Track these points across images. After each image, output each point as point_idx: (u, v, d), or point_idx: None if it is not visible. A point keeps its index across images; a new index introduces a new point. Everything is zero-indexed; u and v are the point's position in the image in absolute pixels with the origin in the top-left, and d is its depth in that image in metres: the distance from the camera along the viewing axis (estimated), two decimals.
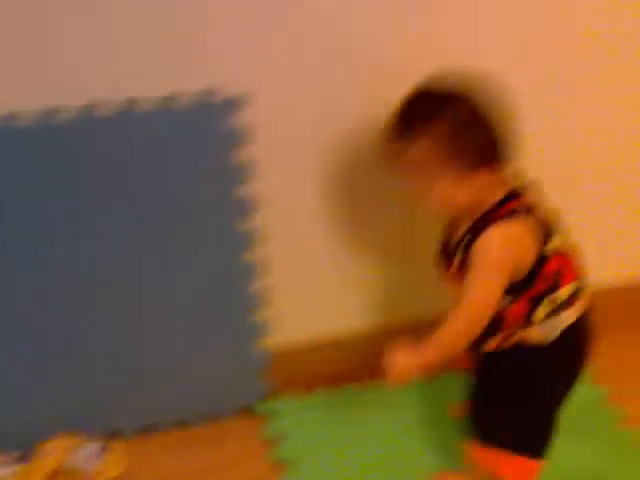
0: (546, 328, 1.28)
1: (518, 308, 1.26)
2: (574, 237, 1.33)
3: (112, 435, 1.50)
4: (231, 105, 1.31)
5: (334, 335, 1.64)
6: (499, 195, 1.25)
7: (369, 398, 1.59)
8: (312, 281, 1.59)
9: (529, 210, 1.25)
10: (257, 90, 1.34)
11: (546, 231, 1.26)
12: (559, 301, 1.27)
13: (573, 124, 1.58)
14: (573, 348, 1.31)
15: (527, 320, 1.27)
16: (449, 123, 1.20)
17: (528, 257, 1.24)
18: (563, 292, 1.27)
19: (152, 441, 1.51)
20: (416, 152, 1.21)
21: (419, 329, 1.67)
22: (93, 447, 1.43)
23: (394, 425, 1.54)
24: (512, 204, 1.25)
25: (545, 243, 1.25)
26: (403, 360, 1.25)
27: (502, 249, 1.22)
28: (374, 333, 1.64)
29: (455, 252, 1.28)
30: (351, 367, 1.64)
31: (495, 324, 1.27)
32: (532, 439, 1.31)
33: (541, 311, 1.26)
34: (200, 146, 1.33)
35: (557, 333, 1.28)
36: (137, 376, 1.48)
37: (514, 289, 1.25)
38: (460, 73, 1.26)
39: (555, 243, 1.27)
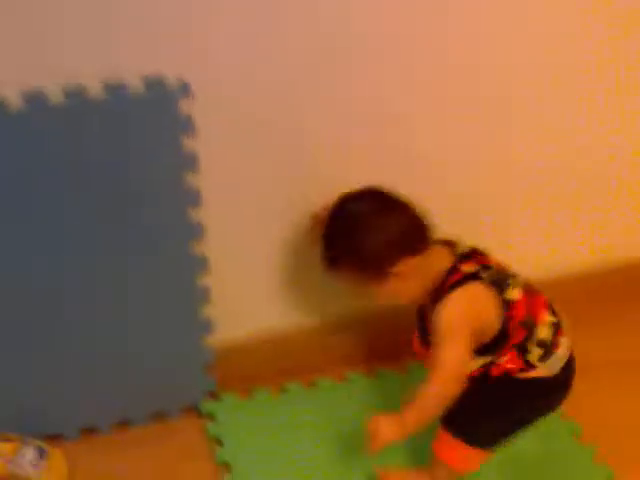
0: (549, 366, 1.36)
1: (508, 359, 1.34)
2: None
3: (50, 439, 1.46)
4: (183, 91, 1.27)
5: (277, 332, 1.63)
6: (446, 265, 1.34)
7: (313, 396, 1.59)
8: (255, 278, 1.58)
9: (478, 270, 1.33)
10: (205, 78, 1.31)
11: (501, 282, 1.34)
12: (547, 342, 1.35)
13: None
14: (565, 380, 1.39)
15: (528, 364, 1.35)
16: (361, 244, 1.31)
17: (490, 311, 1.32)
18: (542, 330, 1.35)
19: (93, 443, 1.49)
20: (343, 273, 1.35)
21: (364, 326, 1.71)
22: (30, 453, 1.39)
23: (337, 424, 1.53)
24: (461, 268, 1.33)
25: (503, 293, 1.33)
26: (386, 430, 1.30)
27: (460, 312, 1.30)
28: (316, 330, 1.64)
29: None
30: (294, 364, 1.63)
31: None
32: (496, 441, 1.39)
33: (534, 355, 1.34)
34: (151, 133, 1.29)
35: (558, 368, 1.37)
36: (77, 374, 1.45)
37: (494, 345, 1.33)
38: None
39: (513, 291, 1.34)
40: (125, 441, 1.51)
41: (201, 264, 1.45)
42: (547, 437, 1.51)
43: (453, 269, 1.34)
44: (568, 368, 1.38)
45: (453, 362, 1.29)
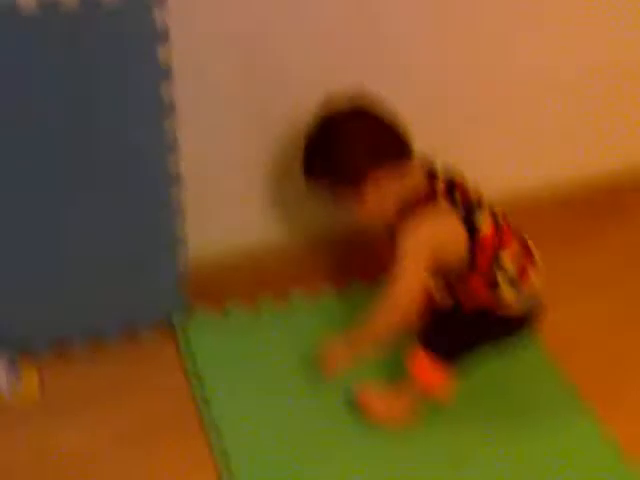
0: (522, 304, 1.40)
1: (476, 288, 1.36)
2: None
3: (21, 353, 1.46)
4: (157, 2, 1.22)
5: (250, 248, 1.63)
6: (420, 185, 1.34)
7: (286, 312, 1.59)
8: (230, 193, 1.57)
9: (450, 192, 1.34)
10: None
11: (471, 208, 1.34)
12: (514, 276, 1.36)
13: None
14: (536, 312, 1.46)
15: (501, 303, 1.38)
16: (334, 153, 1.31)
17: (455, 236, 1.33)
18: (507, 260, 1.36)
19: (65, 357, 1.49)
20: (323, 189, 1.36)
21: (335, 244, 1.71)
22: (1, 365, 1.40)
23: (310, 340, 1.54)
24: (433, 190, 1.34)
25: (472, 219, 1.33)
26: (340, 353, 1.34)
27: (423, 235, 1.32)
28: (290, 246, 1.64)
29: None
30: (267, 280, 1.64)
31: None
32: (463, 360, 1.40)
33: (507, 294, 1.37)
34: (126, 43, 1.26)
35: (530, 305, 1.42)
36: (50, 286, 1.43)
37: (459, 270, 1.36)
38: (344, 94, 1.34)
39: (482, 217, 1.35)
40: (97, 354, 1.51)
41: (176, 178, 1.43)
42: (514, 355, 1.53)
43: (425, 190, 1.34)
44: (538, 302, 1.42)
45: (405, 288, 1.32)
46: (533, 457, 1.38)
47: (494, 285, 1.37)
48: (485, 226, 1.34)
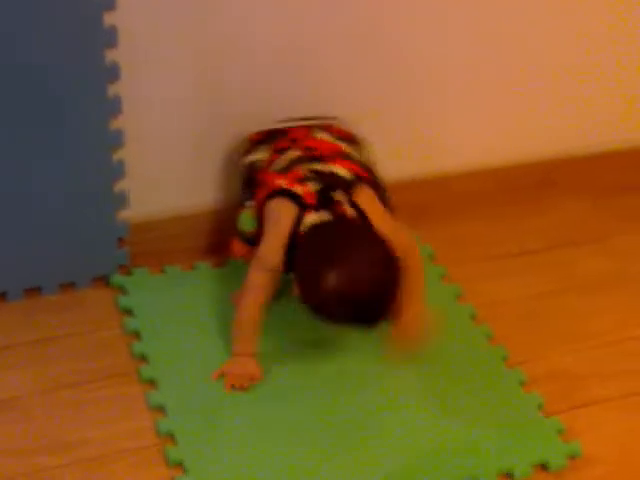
0: None
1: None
2: None
3: None
4: None
5: (190, 210, 1.65)
6: None
7: (223, 272, 1.62)
8: (170, 154, 1.59)
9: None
10: None
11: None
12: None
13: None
14: None
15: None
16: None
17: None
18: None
19: (1, 309, 1.50)
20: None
21: None
22: None
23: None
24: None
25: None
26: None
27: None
28: (229, 210, 1.66)
29: None
30: (206, 242, 1.67)
31: None
32: None
33: None
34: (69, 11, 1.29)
35: None
36: None
37: None
38: None
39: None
40: (35, 308, 1.52)
41: (117, 139, 1.46)
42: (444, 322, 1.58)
43: None
44: None
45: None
46: (455, 409, 1.42)
47: None
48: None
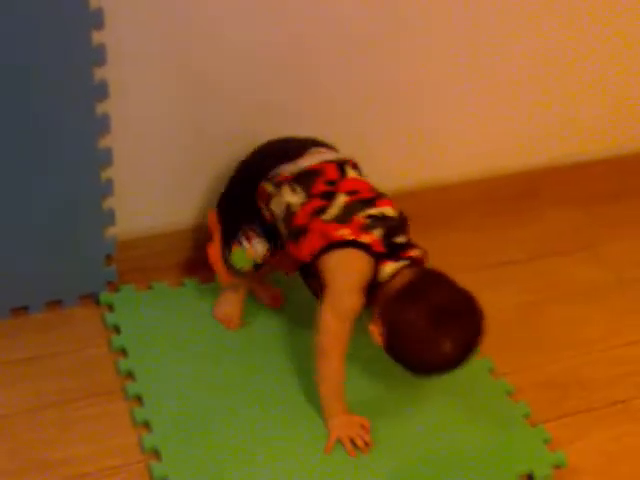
0: None
1: None
2: None
3: None
4: None
5: (178, 227, 1.66)
6: None
7: (210, 289, 1.63)
8: (158, 173, 1.60)
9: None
10: None
11: None
12: None
13: None
14: None
15: None
16: None
17: None
18: None
19: None
20: None
21: None
22: None
23: None
24: None
25: None
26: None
27: None
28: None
29: None
30: (194, 259, 1.67)
31: None
32: None
33: None
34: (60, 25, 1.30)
35: None
36: None
37: None
38: None
39: None
40: (22, 327, 1.52)
41: (106, 157, 1.47)
42: None
43: None
44: None
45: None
46: (441, 420, 1.43)
47: None
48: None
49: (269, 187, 1.38)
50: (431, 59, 1.69)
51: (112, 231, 1.55)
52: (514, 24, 1.72)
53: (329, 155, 1.42)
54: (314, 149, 1.43)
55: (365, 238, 1.31)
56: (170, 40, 1.46)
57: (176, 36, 1.46)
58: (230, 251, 1.42)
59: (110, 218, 1.53)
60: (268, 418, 1.40)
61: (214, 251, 1.46)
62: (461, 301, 1.30)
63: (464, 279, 1.58)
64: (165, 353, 1.49)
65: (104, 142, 1.45)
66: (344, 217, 1.33)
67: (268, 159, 1.42)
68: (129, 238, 1.61)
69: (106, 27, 1.33)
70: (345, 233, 1.31)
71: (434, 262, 1.56)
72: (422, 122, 1.76)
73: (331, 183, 1.37)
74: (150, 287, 1.63)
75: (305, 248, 1.33)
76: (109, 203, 1.52)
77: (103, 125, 1.43)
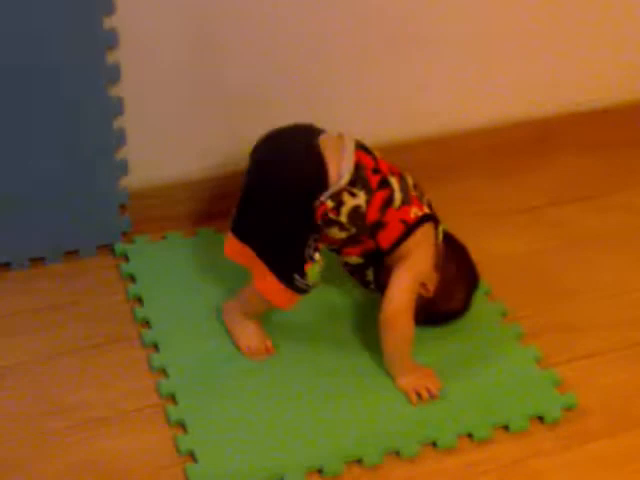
0: None
1: None
2: None
3: None
4: None
5: (192, 177, 1.67)
6: None
7: (222, 238, 1.63)
8: (169, 121, 1.60)
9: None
10: None
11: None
12: None
13: None
14: None
15: None
16: None
17: None
18: None
19: (6, 279, 1.53)
20: None
21: None
22: None
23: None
24: None
25: None
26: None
27: None
28: (228, 178, 1.67)
29: None
30: (208, 209, 1.68)
31: None
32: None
33: None
34: None
35: None
36: None
37: None
38: None
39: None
40: (40, 277, 1.55)
41: (117, 106, 1.48)
42: None
43: None
44: None
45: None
46: (452, 364, 1.45)
47: None
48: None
49: (330, 203, 1.34)
50: None
51: (125, 181, 1.57)
52: None
53: (346, 142, 1.38)
54: (322, 138, 1.37)
55: (426, 209, 1.40)
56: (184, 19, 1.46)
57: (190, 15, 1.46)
58: (304, 274, 1.36)
59: (123, 168, 1.55)
60: (284, 366, 1.42)
61: (265, 284, 1.38)
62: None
63: (477, 224, 1.59)
64: (180, 302, 1.51)
65: (115, 91, 1.45)
66: (406, 197, 1.38)
67: (302, 181, 1.35)
68: (143, 188, 1.62)
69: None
70: (415, 212, 1.38)
71: (450, 208, 1.57)
72: (430, 68, 1.75)
73: (375, 171, 1.37)
74: (164, 237, 1.65)
75: (385, 239, 1.38)
76: (122, 153, 1.53)
77: (114, 73, 1.43)
